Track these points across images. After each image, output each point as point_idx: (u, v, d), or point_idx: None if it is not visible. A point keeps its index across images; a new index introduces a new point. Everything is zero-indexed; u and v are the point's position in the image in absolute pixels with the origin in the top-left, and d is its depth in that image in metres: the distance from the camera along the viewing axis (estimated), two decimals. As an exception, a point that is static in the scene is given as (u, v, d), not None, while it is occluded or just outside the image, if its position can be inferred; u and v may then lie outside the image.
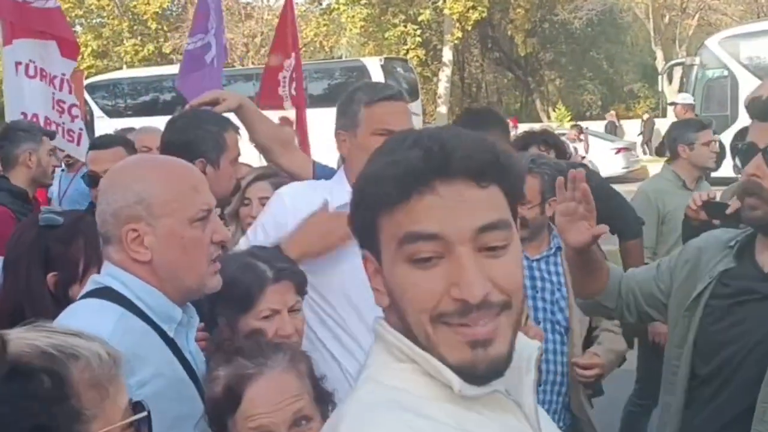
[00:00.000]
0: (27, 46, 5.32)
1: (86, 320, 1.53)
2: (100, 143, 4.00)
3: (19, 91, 5.34)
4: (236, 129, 2.84)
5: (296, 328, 2.05)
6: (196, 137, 2.69)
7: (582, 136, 19.08)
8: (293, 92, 6.09)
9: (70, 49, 5.62)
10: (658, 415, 2.37)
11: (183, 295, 1.76)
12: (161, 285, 1.72)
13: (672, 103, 11.77)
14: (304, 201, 2.52)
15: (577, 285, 2.35)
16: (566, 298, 3.23)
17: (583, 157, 16.08)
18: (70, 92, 5.57)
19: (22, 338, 1.03)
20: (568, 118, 29.68)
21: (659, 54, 29.78)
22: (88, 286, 1.79)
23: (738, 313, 2.08)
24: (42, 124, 5.22)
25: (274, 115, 5.62)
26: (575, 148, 15.73)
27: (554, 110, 32.36)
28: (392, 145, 1.08)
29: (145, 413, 1.11)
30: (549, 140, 4.26)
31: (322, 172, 3.80)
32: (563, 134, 14.95)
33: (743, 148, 2.08)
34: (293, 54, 6.01)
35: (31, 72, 5.35)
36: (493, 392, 1.06)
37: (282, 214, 2.55)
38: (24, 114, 5.28)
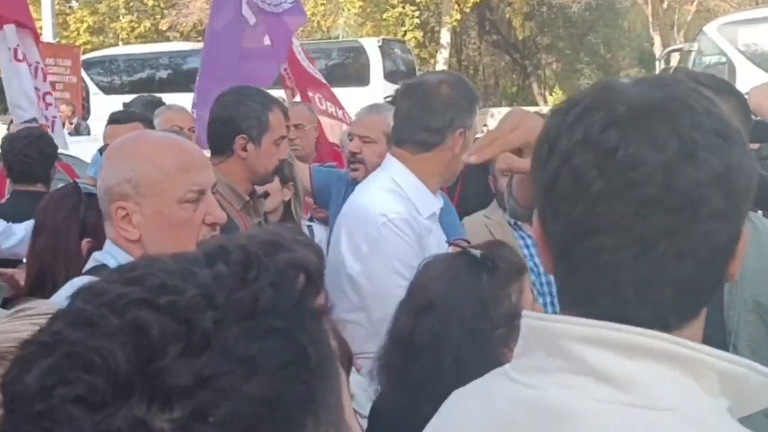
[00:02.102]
0: (12, 31, 5.36)
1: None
2: (118, 118, 4.06)
3: (18, 77, 5.38)
4: (284, 109, 2.84)
5: None
6: (238, 114, 2.70)
7: None
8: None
9: (35, 33, 5.74)
10: None
11: None
12: None
13: None
14: (417, 223, 2.32)
15: (521, 194, 1.97)
16: None
17: None
18: (44, 80, 5.64)
19: (9, 332, 1.02)
20: (565, 102, 29.57)
21: (657, 39, 29.69)
22: (89, 263, 1.82)
23: None
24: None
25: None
26: None
27: (551, 94, 32.29)
28: None
29: None
30: None
31: (320, 176, 3.73)
32: None
33: None
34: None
35: (20, 56, 5.41)
36: None
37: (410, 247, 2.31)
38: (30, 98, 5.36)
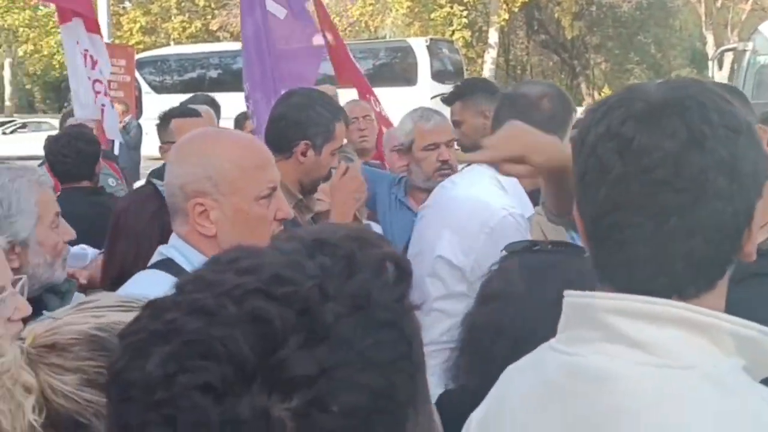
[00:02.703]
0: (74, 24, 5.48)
1: (137, 291, 1.57)
2: (184, 112, 4.08)
3: (75, 69, 5.50)
4: (348, 120, 2.83)
5: None
6: (308, 118, 2.67)
7: None
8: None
9: (92, 23, 5.76)
10: None
11: None
12: None
13: None
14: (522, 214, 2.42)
15: (553, 201, 1.96)
16: None
17: None
18: (93, 67, 5.69)
19: (71, 324, 1.03)
20: (614, 102, 29.18)
21: (710, 39, 29.16)
22: (155, 257, 1.84)
23: None
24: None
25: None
26: None
27: (600, 94, 31.92)
28: None
29: None
30: None
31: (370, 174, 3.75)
32: None
33: None
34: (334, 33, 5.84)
35: (84, 50, 5.53)
36: None
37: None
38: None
